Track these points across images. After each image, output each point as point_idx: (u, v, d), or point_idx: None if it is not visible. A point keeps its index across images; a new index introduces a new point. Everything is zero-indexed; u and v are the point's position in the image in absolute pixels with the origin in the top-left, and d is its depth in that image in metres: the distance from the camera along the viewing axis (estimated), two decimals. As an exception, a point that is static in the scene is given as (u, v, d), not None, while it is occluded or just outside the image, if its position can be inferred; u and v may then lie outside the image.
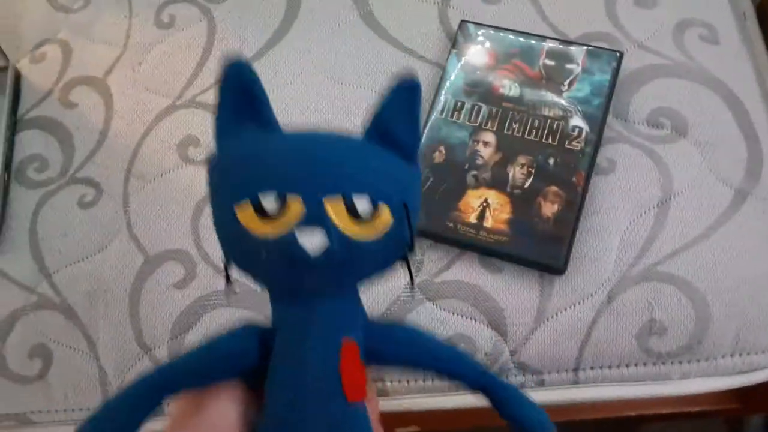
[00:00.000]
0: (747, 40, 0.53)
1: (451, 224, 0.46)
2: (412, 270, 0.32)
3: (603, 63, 0.51)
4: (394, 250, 0.29)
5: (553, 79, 0.51)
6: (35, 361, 0.47)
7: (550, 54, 0.51)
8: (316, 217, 0.26)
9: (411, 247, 0.30)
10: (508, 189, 0.47)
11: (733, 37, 0.53)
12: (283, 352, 0.28)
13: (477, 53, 0.52)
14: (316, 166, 0.27)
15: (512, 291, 0.45)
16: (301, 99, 0.53)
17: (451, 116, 0.50)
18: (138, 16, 0.58)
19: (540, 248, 0.45)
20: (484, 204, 0.47)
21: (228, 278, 0.29)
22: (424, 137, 0.49)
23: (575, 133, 0.48)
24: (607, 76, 0.50)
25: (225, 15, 0.57)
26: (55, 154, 0.53)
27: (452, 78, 0.51)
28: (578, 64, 0.51)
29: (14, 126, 0.54)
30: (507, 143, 0.49)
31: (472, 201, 0.47)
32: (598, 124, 0.48)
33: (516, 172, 0.48)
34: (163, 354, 0.46)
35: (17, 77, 0.56)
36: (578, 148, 0.48)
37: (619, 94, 0.50)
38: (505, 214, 0.46)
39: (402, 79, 0.30)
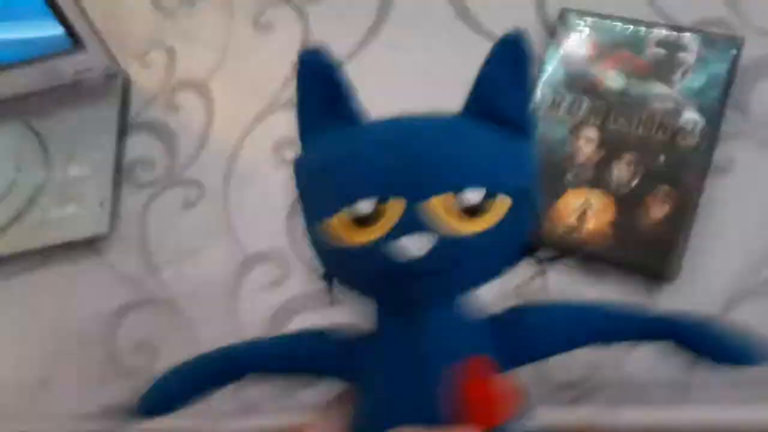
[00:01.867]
0: None
1: (548, 226, 0.44)
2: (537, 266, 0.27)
3: (720, 51, 0.46)
4: (509, 245, 0.26)
5: (663, 69, 0.47)
6: (140, 356, 0.50)
7: (660, 42, 0.48)
8: (416, 219, 0.23)
9: (533, 242, 0.26)
10: (612, 189, 0.44)
11: None
12: (381, 366, 0.26)
13: (578, 43, 0.49)
14: (420, 162, 0.24)
15: (615, 299, 0.43)
16: (394, 101, 0.52)
17: (549, 111, 0.48)
18: (238, 20, 0.59)
19: (647, 253, 0.42)
20: (585, 205, 0.44)
21: (329, 283, 0.28)
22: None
23: (689, 129, 0.45)
24: (726, 66, 0.46)
25: (319, 16, 0.57)
26: (161, 155, 0.56)
27: (550, 71, 0.49)
28: (692, 53, 0.47)
29: (124, 130, 0.57)
30: (611, 139, 0.46)
31: (572, 201, 0.45)
32: (716, 118, 0.44)
33: (621, 171, 0.45)
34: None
35: (127, 83, 0.59)
36: (692, 145, 0.44)
37: (740, 86, 0.46)
38: (609, 216, 0.44)
39: (506, 35, 0.26)
